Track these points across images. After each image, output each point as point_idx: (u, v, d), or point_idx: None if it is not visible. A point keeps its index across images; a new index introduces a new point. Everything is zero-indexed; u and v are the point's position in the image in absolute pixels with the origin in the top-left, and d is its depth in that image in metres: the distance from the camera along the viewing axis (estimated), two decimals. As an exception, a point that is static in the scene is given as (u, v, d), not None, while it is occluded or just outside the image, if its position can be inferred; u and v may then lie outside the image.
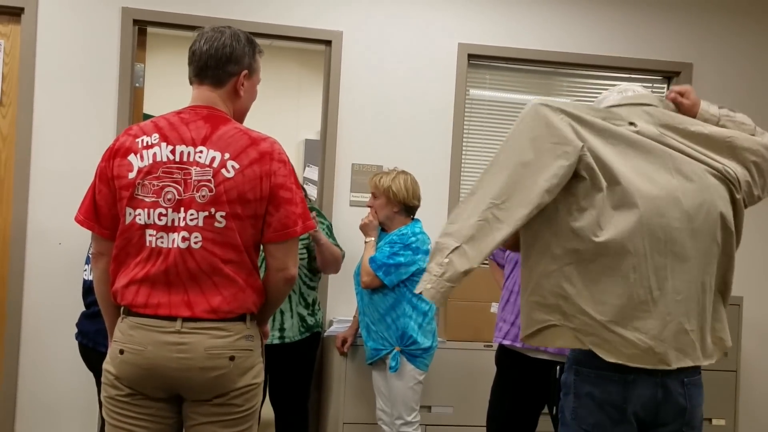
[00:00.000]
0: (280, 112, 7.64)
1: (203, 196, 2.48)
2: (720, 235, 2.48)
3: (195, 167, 2.49)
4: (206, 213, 2.47)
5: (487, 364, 4.05)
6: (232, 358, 2.50)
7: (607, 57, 5.22)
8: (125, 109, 4.65)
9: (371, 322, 4.16)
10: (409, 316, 4.08)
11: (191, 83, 2.66)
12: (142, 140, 2.54)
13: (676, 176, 2.44)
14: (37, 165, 4.61)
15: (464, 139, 5.11)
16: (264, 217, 2.54)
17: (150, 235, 2.49)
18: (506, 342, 3.77)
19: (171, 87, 7.63)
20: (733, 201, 2.51)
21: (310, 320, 4.30)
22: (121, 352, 2.51)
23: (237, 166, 2.49)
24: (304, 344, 4.30)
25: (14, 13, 4.52)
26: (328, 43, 4.92)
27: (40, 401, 4.65)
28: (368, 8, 4.98)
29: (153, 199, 2.49)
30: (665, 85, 5.35)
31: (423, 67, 5.04)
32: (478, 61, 5.14)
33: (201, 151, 2.50)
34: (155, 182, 2.49)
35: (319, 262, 4.30)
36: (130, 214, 2.51)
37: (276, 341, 4.20)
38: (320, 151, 5.04)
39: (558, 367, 3.24)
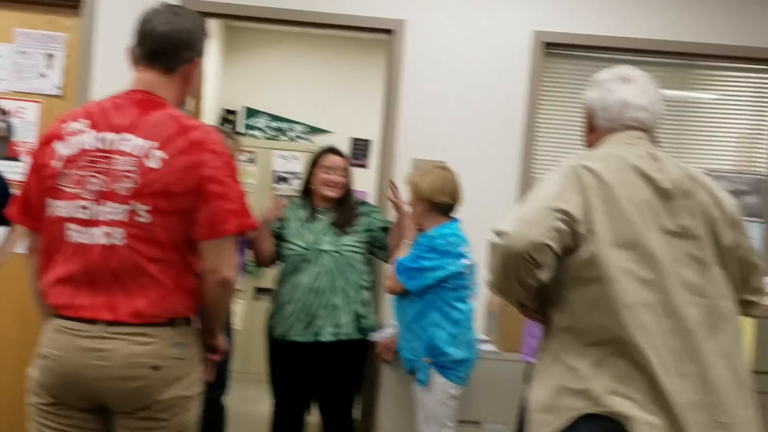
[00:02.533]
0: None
1: (126, 188, 2.27)
2: None
3: (119, 156, 2.29)
4: (129, 206, 2.27)
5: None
6: (155, 368, 2.27)
7: (709, 45, 4.68)
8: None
9: (402, 330, 3.87)
10: (437, 325, 3.73)
11: (136, 65, 2.44)
12: (70, 126, 2.36)
13: None
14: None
15: (535, 136, 4.71)
16: (193, 213, 2.31)
17: (71, 229, 2.31)
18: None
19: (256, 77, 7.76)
20: None
21: (364, 321, 4.10)
22: (43, 357, 2.34)
23: (163, 155, 2.28)
24: (360, 345, 4.10)
25: (73, 6, 4.52)
26: (389, 32, 4.67)
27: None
28: (432, -6, 4.70)
29: (75, 190, 2.30)
30: (773, 75, 4.76)
31: (492, 56, 4.69)
32: (556, 50, 4.73)
33: (127, 139, 2.30)
34: (78, 172, 2.31)
35: None
36: (52, 206, 2.34)
37: (330, 338, 4.01)
38: (379, 144, 4.80)
39: None
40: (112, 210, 2.27)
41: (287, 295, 4.08)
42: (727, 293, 2.27)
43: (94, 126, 2.33)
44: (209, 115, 7.14)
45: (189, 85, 2.48)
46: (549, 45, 4.69)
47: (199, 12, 4.45)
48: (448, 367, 3.74)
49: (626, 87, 2.36)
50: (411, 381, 3.95)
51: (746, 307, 2.37)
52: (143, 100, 2.37)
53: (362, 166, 7.27)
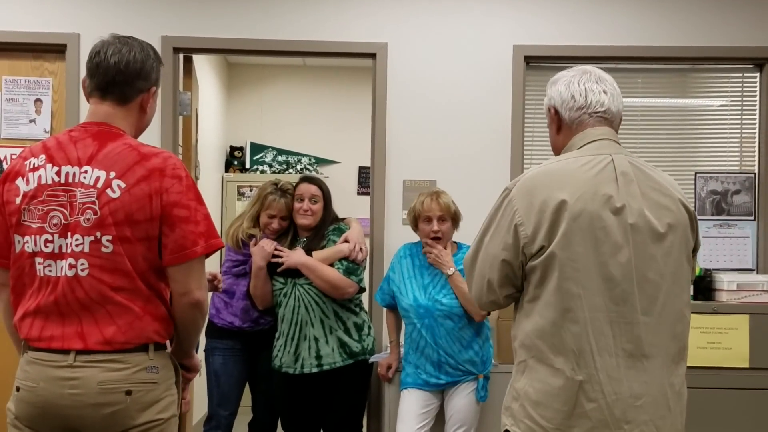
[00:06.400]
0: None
1: (88, 220, 2.32)
2: None
3: (80, 188, 2.34)
4: (92, 237, 2.31)
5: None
6: (128, 393, 2.32)
7: (686, 48, 4.70)
8: (168, 140, 4.61)
9: (450, 354, 3.94)
10: (488, 341, 4.01)
11: (90, 97, 2.49)
12: (30, 162, 2.41)
13: None
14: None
15: (525, 147, 4.74)
16: (159, 239, 2.35)
17: (38, 263, 2.36)
18: None
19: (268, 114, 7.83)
20: None
21: (355, 346, 4.09)
22: (18, 389, 2.39)
23: (123, 185, 2.33)
24: (349, 371, 4.09)
25: (59, 51, 4.61)
26: (373, 56, 4.72)
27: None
28: (412, 16, 4.75)
29: (39, 225, 2.36)
30: (757, 74, 4.74)
31: (476, 73, 4.73)
32: (537, 62, 4.76)
33: (86, 171, 2.35)
34: (40, 206, 2.36)
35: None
36: (18, 241, 2.39)
37: (314, 369, 4.04)
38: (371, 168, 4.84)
39: None
40: (75, 242, 2.32)
41: (279, 329, 4.17)
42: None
43: (51, 160, 2.38)
44: (216, 153, 7.23)
45: (146, 114, 2.53)
46: (530, 58, 4.73)
47: (183, 47, 4.64)
48: (488, 378, 4.03)
49: (586, 77, 2.38)
50: (429, 398, 4.03)
51: None
52: (100, 132, 2.42)
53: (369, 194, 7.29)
